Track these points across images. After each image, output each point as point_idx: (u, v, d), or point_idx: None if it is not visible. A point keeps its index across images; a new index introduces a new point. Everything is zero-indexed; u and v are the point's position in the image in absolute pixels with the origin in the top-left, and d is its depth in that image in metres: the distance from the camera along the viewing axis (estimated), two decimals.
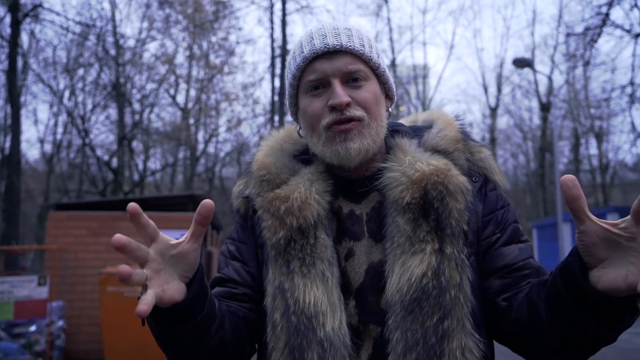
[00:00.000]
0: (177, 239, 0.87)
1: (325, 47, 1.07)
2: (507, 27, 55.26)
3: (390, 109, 1.18)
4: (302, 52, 1.10)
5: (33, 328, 6.09)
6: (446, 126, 1.18)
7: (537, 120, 29.89)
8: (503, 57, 31.49)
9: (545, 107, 26.18)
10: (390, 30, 27.95)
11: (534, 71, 20.40)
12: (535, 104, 29.31)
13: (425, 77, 31.88)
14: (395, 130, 1.19)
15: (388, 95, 1.18)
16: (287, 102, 1.21)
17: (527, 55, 23.87)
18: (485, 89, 29.75)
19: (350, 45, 1.08)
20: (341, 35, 1.09)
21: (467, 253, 1.03)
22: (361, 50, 1.09)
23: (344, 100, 1.05)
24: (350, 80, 1.08)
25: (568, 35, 13.59)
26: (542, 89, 27.25)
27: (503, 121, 33.65)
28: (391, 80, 1.17)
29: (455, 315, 0.97)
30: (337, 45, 1.07)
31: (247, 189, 1.18)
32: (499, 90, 29.29)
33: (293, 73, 1.13)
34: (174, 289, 0.86)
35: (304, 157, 1.20)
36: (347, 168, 1.11)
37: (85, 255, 7.20)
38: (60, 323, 6.64)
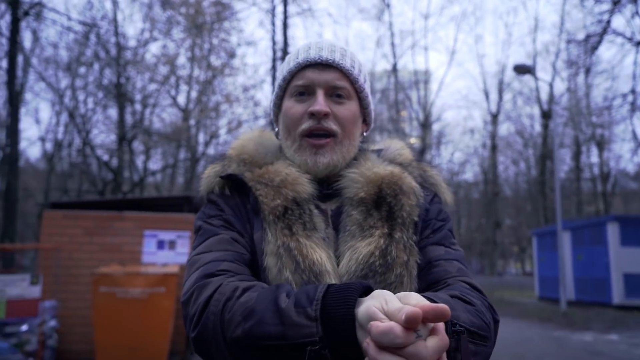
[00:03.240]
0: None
1: (319, 58, 1.16)
2: (508, 34, 55.34)
3: (365, 133, 1.27)
4: (297, 58, 1.18)
5: (25, 327, 6.03)
6: (401, 148, 1.30)
7: (538, 128, 29.91)
8: (504, 64, 31.54)
9: (546, 115, 26.16)
10: (392, 34, 28.01)
11: (535, 78, 20.39)
12: (536, 111, 29.34)
13: (426, 82, 31.93)
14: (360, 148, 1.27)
15: (366, 120, 1.26)
16: (270, 102, 1.27)
17: (529, 62, 23.87)
18: (487, 95, 29.83)
19: (342, 63, 1.16)
20: (336, 52, 1.18)
21: (416, 240, 1.10)
22: (350, 70, 1.17)
23: (323, 109, 1.12)
24: (334, 95, 1.16)
25: (569, 42, 13.56)
26: (544, 96, 27.25)
27: (504, 128, 33.67)
28: (372, 106, 1.25)
29: (400, 292, 0.95)
30: (330, 59, 1.15)
31: (229, 169, 1.18)
32: (500, 96, 29.33)
33: (284, 76, 1.20)
34: None
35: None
36: (313, 175, 1.16)
37: (80, 254, 7.15)
38: (53, 323, 6.58)
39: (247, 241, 1.10)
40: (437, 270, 1.09)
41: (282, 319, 0.80)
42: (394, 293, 0.93)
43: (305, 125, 1.14)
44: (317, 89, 1.15)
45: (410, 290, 1.01)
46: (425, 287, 1.08)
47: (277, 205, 1.09)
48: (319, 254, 1.03)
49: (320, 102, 1.13)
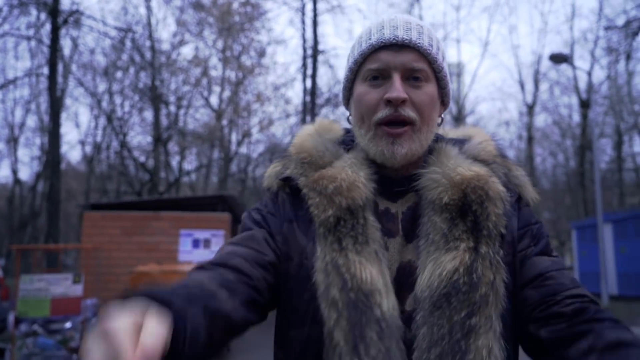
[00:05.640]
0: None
1: (394, 38, 1.05)
2: (544, 23, 53.60)
3: (442, 116, 1.16)
4: (370, 39, 1.08)
5: (68, 325, 6.27)
6: (485, 141, 1.18)
7: (576, 118, 28.97)
8: (540, 54, 30.58)
9: (585, 104, 25.34)
10: None
11: (573, 67, 19.76)
12: (574, 100, 28.42)
13: (459, 75, 31.37)
14: (436, 136, 1.18)
15: (444, 101, 1.15)
16: (341, 86, 1.18)
17: (566, 51, 23.14)
18: (522, 86, 29.05)
19: (419, 42, 1.05)
20: (412, 31, 1.06)
21: (503, 255, 1.00)
22: (429, 49, 1.06)
23: (401, 96, 1.02)
24: (411, 78, 1.06)
25: (608, 28, 13.07)
26: (582, 85, 26.39)
27: (541, 119, 32.84)
28: (450, 86, 1.14)
29: (484, 314, 0.93)
30: (407, 39, 1.05)
31: (286, 170, 1.14)
32: (536, 87, 28.54)
33: (355, 58, 1.10)
34: None
35: (345, 143, 1.17)
36: (389, 166, 1.08)
37: (119, 254, 7.38)
38: (95, 320, 6.81)
39: (280, 242, 1.05)
40: (550, 284, 1.00)
41: None
42: (479, 313, 0.92)
43: (381, 113, 1.04)
44: (393, 72, 1.04)
45: (496, 314, 0.95)
46: (539, 300, 0.99)
47: (328, 217, 1.02)
48: (370, 271, 0.96)
49: (397, 88, 1.03)
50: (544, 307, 0.98)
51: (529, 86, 31.02)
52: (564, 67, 23.07)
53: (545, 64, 28.47)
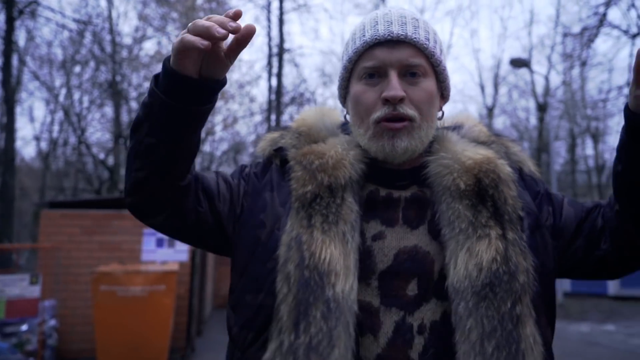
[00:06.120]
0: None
1: (389, 34, 1.03)
2: (504, 28, 55.30)
3: (442, 109, 1.15)
4: (364, 36, 1.06)
5: (25, 327, 6.04)
6: (477, 124, 1.20)
7: (533, 121, 29.91)
8: (500, 58, 31.46)
9: (542, 108, 26.19)
10: None
11: (531, 71, 20.42)
12: (532, 104, 29.34)
13: None
14: None
15: (443, 94, 1.14)
16: (337, 84, 1.17)
17: (524, 56, 23.84)
18: (482, 89, 29.73)
19: (415, 37, 1.03)
20: (407, 25, 1.04)
21: (526, 239, 1.01)
22: (425, 43, 1.04)
23: (398, 95, 1.01)
24: (408, 74, 1.04)
25: (565, 35, 13.57)
26: (539, 89, 27.28)
27: (500, 121, 33.64)
28: (449, 79, 1.13)
29: (524, 302, 0.95)
30: (402, 35, 1.03)
31: (282, 139, 1.15)
32: (496, 90, 29.30)
33: (350, 56, 1.09)
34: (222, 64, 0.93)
35: (343, 129, 1.18)
36: (390, 162, 1.08)
37: (79, 253, 7.15)
38: (53, 322, 6.59)
39: (235, 199, 1.11)
40: (586, 225, 1.10)
41: (144, 106, 0.95)
42: (521, 302, 0.94)
43: (380, 112, 1.03)
44: (390, 70, 1.03)
45: (533, 299, 0.97)
46: (586, 244, 1.08)
47: (305, 192, 1.02)
48: (330, 251, 0.96)
49: (394, 86, 1.01)
50: (593, 242, 1.08)
51: (489, 89, 31.95)
52: (522, 71, 23.77)
53: (505, 67, 29.31)
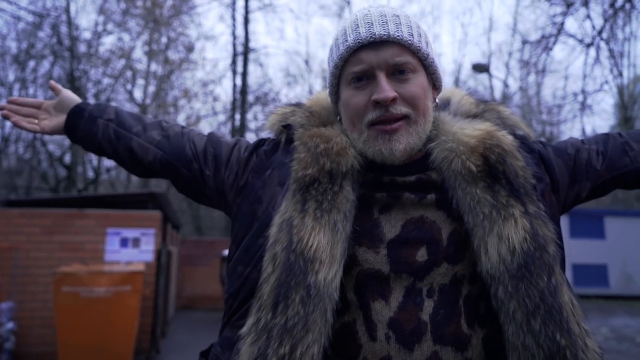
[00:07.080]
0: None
1: (371, 36, 1.01)
2: (465, 34, 56.48)
3: (436, 100, 1.14)
4: (346, 40, 1.05)
5: None
6: (464, 96, 1.19)
7: None
8: (461, 63, 32.28)
9: None
10: None
11: (491, 76, 21.00)
12: None
13: None
14: None
15: (435, 85, 1.13)
16: (327, 90, 1.16)
17: (484, 61, 24.54)
18: None
19: (398, 35, 1.02)
20: (389, 24, 1.02)
21: (543, 207, 1.02)
22: (409, 40, 1.03)
23: (389, 96, 1.00)
24: (397, 72, 1.03)
25: (524, 42, 14.06)
26: (497, 94, 28.10)
27: None
28: (439, 69, 1.11)
29: (557, 270, 0.97)
30: (384, 35, 1.01)
31: (292, 116, 1.15)
32: None
33: (335, 62, 1.08)
34: (54, 120, 1.38)
35: None
36: (389, 164, 1.07)
37: (38, 254, 6.89)
38: (10, 325, 6.33)
39: (240, 171, 1.16)
40: (611, 149, 1.20)
41: None
42: (554, 271, 0.96)
43: (372, 115, 1.02)
44: (377, 71, 1.02)
45: (561, 265, 1.01)
46: (606, 167, 1.19)
47: (305, 175, 1.02)
48: (318, 239, 0.95)
49: (384, 88, 1.00)
50: (617, 167, 1.19)
51: None
52: (482, 76, 24.45)
53: (465, 72, 30.04)
